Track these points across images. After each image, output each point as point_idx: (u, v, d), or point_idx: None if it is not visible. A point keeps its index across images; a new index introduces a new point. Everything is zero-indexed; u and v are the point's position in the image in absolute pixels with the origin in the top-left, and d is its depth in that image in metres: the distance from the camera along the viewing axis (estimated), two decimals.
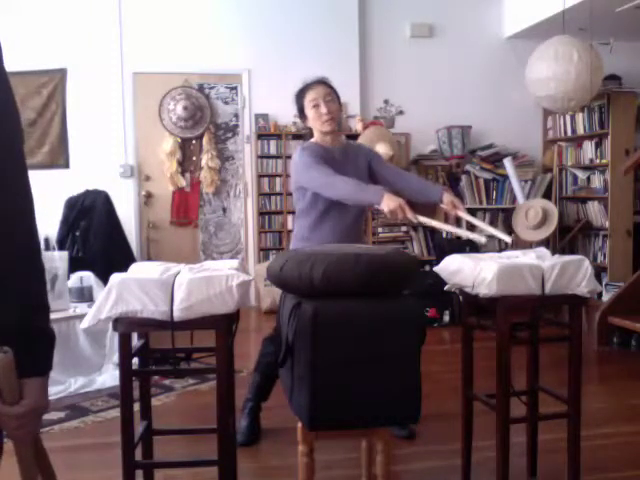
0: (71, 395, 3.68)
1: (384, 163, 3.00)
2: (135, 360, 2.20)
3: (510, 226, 5.99)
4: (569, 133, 6.35)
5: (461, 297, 2.44)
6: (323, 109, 2.80)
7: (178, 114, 6.00)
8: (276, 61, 6.09)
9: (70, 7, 5.80)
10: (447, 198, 2.76)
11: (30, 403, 1.00)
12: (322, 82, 2.88)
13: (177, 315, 1.95)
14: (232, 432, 2.30)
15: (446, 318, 5.50)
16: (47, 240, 5.22)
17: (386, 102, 6.38)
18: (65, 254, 4.23)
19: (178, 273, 2.04)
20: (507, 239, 2.53)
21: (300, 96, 2.88)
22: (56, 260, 4.00)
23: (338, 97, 2.90)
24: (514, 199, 6.08)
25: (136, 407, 2.14)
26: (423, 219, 2.52)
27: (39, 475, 1.10)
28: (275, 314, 2.50)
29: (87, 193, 5.50)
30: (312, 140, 2.91)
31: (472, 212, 6.13)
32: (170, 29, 5.96)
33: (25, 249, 1.00)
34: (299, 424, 1.98)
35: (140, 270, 2.16)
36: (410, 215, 2.45)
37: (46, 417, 3.07)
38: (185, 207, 6.20)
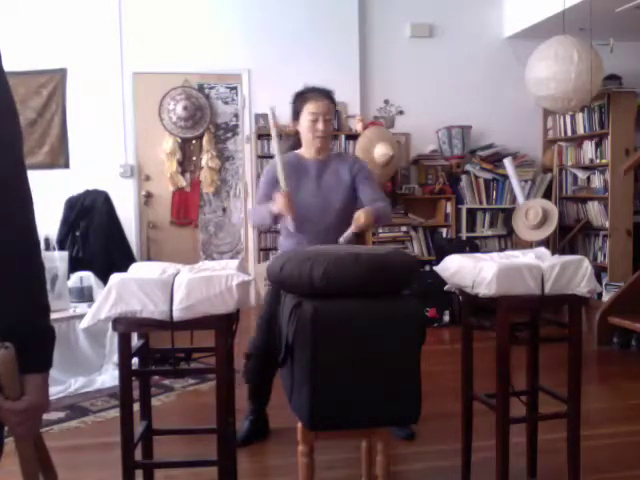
0: (71, 395, 3.68)
1: (367, 182, 2.85)
2: (135, 360, 2.20)
3: (510, 226, 5.99)
4: (569, 133, 6.35)
5: (461, 297, 2.44)
6: (320, 126, 2.75)
7: (178, 114, 6.00)
8: (276, 61, 6.08)
9: (70, 7, 5.80)
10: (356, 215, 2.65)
11: (31, 399, 1.01)
12: (328, 96, 2.82)
13: (177, 315, 1.96)
14: (232, 432, 2.31)
15: (446, 318, 5.50)
16: (47, 240, 5.21)
17: (386, 102, 6.38)
18: (65, 254, 4.23)
19: (178, 273, 2.04)
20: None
21: (301, 100, 2.81)
22: (56, 260, 4.00)
23: (336, 111, 2.85)
24: (514, 199, 6.07)
25: (136, 407, 2.14)
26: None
27: (40, 472, 1.11)
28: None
29: (87, 193, 5.50)
30: (295, 152, 2.89)
31: (472, 212, 6.15)
32: (170, 29, 5.95)
33: (24, 247, 1.00)
34: (299, 424, 1.98)
35: (140, 270, 2.17)
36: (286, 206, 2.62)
37: (46, 417, 3.06)
38: (185, 207, 6.19)
